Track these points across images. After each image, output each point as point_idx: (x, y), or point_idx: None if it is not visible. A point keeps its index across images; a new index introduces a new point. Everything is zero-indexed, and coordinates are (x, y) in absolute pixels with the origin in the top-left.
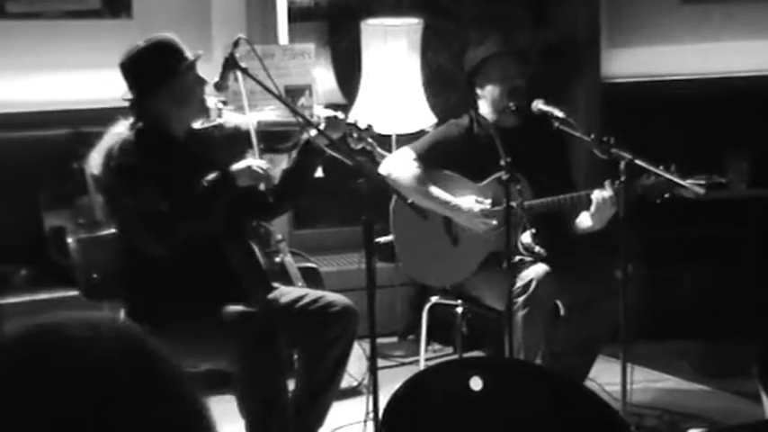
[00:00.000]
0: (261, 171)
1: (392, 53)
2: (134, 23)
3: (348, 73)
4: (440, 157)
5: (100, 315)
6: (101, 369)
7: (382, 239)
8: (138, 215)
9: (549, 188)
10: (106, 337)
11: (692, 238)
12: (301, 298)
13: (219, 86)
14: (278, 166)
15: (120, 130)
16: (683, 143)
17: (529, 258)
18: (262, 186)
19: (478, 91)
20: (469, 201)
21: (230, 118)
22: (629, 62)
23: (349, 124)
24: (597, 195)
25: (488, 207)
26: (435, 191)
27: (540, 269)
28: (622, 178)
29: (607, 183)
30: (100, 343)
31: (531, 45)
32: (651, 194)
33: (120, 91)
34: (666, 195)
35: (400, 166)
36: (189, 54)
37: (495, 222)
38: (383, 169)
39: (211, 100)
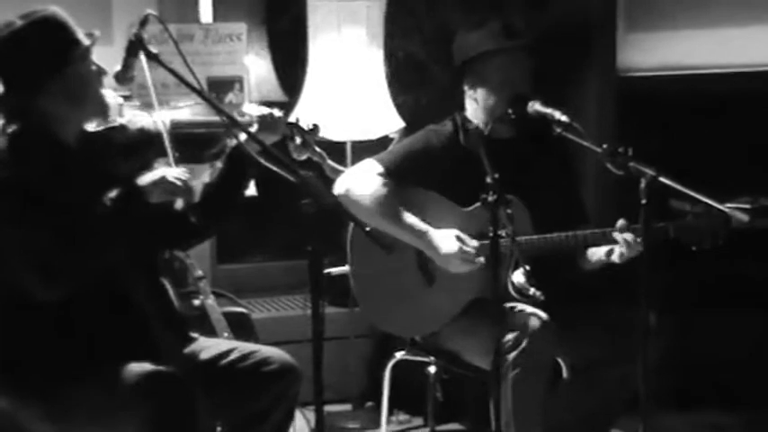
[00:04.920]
0: (178, 183)
1: (347, 36)
2: None
3: (290, 61)
4: (415, 173)
5: None
6: None
7: (334, 271)
8: (17, 248)
9: (552, 213)
10: None
11: (730, 279)
12: (228, 353)
13: (121, 77)
14: (199, 178)
15: None
16: (719, 153)
17: (522, 303)
18: (179, 204)
19: (468, 90)
20: (449, 236)
21: (135, 117)
22: (653, 50)
23: (289, 124)
24: (621, 238)
25: (472, 247)
26: (407, 216)
27: (535, 318)
28: (643, 201)
29: (621, 224)
30: None
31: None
32: (689, 238)
33: None
34: (706, 244)
35: (363, 183)
36: (82, 36)
37: (479, 261)
38: (340, 186)
39: (110, 94)
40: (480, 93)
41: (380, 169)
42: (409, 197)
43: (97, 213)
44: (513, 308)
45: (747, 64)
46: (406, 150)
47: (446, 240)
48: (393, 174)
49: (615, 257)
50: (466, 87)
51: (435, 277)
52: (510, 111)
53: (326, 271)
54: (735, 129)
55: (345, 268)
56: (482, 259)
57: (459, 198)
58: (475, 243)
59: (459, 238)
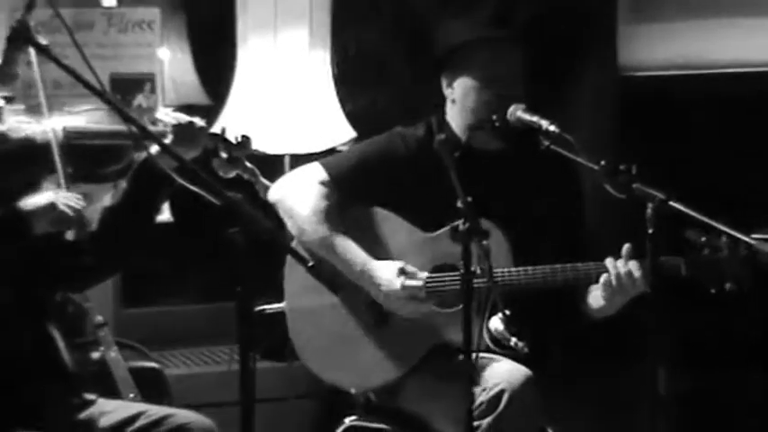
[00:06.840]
0: (69, 210)
1: (284, 24)
2: None
3: (214, 57)
4: (367, 185)
5: None
6: None
7: (269, 308)
8: None
9: (543, 247)
10: None
11: (757, 329)
12: (135, 419)
13: (0, 75)
14: (97, 201)
15: None
16: (741, 166)
17: (500, 355)
18: (70, 234)
19: (446, 89)
20: (390, 269)
21: (17, 124)
22: (660, 44)
23: (213, 135)
24: (612, 267)
25: (417, 283)
26: (342, 240)
27: (515, 373)
28: (650, 230)
29: (627, 250)
30: None
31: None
32: (706, 277)
33: None
34: (728, 285)
35: (300, 191)
36: None
37: (428, 307)
38: (275, 191)
39: None
40: (459, 91)
41: (324, 176)
42: (357, 214)
43: None
44: (488, 360)
45: None
46: (360, 156)
47: (386, 272)
48: (339, 183)
49: (599, 291)
50: (444, 84)
51: (388, 317)
52: (494, 117)
53: (258, 308)
54: (759, 137)
55: (281, 305)
56: (428, 306)
57: (424, 219)
58: (423, 275)
59: (402, 271)
